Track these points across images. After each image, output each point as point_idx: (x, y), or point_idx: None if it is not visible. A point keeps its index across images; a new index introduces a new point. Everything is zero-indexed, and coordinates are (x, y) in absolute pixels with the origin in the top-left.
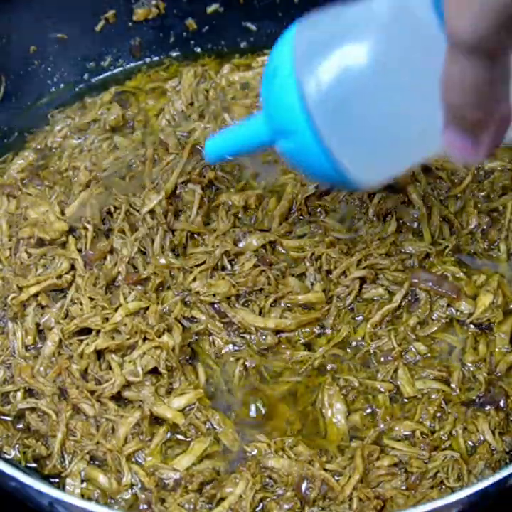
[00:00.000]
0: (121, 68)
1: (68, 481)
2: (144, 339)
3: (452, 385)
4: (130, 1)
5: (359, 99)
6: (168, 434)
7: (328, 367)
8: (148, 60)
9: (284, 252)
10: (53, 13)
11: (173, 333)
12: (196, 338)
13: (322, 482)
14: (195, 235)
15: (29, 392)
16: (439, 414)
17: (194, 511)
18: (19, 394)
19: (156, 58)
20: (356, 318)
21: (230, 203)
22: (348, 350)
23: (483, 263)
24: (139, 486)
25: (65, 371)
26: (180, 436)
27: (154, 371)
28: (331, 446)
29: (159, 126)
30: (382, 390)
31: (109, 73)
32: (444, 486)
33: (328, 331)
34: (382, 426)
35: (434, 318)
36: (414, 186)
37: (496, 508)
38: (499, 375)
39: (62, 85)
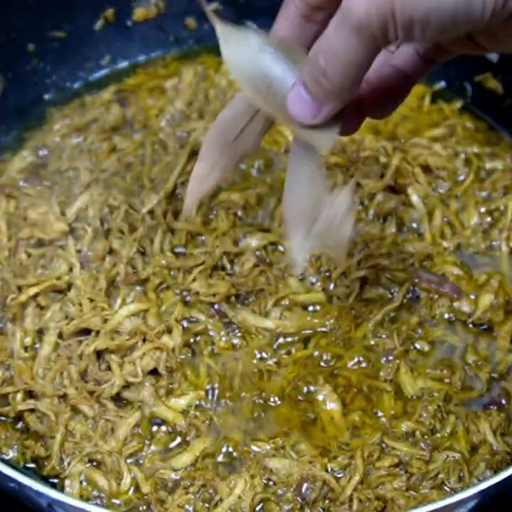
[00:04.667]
0: (120, 67)
1: (67, 482)
2: (144, 340)
3: (453, 385)
4: (129, 0)
5: None
6: (168, 435)
7: (329, 366)
8: (147, 58)
9: (284, 252)
10: (53, 13)
11: (173, 334)
12: (196, 338)
13: (323, 483)
14: (195, 235)
15: (28, 393)
16: (440, 414)
17: None
18: (19, 395)
19: (155, 56)
20: (357, 318)
21: (230, 202)
22: (349, 349)
23: (484, 263)
24: (138, 488)
25: (64, 372)
26: (180, 437)
27: (154, 372)
28: (330, 446)
29: (159, 126)
30: (386, 389)
31: (108, 72)
32: (445, 487)
33: (329, 331)
34: (382, 425)
35: (435, 317)
36: (414, 187)
37: (497, 509)
38: (501, 374)
39: (61, 84)
